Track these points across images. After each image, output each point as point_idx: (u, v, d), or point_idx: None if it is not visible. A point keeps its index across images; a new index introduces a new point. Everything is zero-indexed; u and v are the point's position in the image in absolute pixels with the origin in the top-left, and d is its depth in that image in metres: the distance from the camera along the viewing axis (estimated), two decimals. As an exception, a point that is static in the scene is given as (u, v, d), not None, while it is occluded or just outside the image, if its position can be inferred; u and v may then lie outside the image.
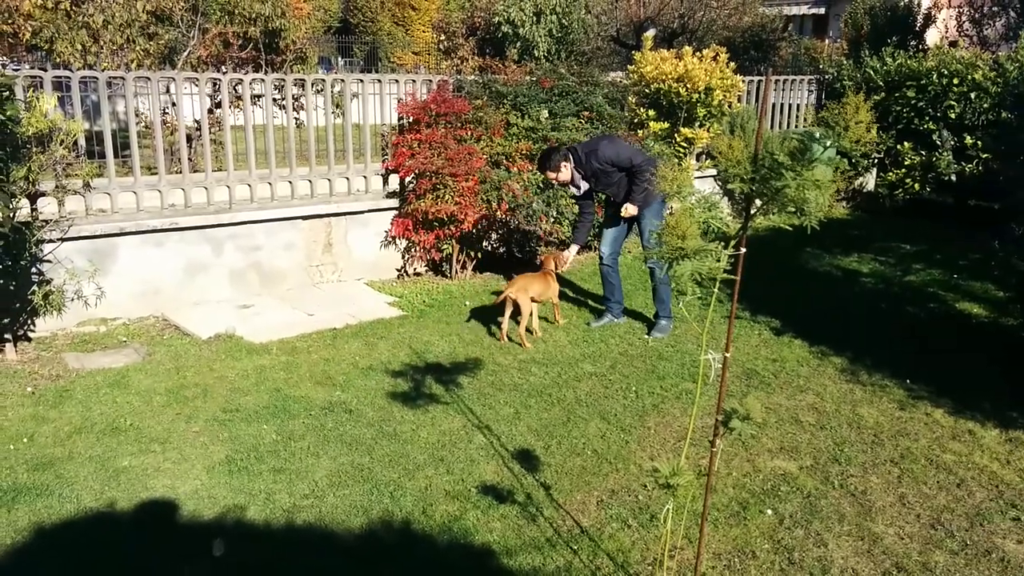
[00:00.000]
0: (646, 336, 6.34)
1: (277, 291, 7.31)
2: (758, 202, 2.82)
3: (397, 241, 7.88)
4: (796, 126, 11.40)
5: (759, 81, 10.95)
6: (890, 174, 11.06)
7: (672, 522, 3.01)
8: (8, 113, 5.11)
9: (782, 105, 11.46)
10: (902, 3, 13.92)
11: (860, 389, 5.38)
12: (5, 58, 10.61)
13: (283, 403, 5.06)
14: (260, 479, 4.16)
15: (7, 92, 5.27)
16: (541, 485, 4.14)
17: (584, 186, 6.30)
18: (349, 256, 7.75)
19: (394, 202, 7.83)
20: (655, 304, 6.48)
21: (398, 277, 7.94)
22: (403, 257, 7.98)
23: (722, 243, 2.80)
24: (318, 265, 7.63)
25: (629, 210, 6.14)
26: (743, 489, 4.10)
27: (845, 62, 12.02)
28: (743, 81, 10.12)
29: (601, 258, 6.56)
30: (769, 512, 3.91)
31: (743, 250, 2.80)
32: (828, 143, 2.84)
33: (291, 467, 4.28)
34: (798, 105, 11.67)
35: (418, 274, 8.02)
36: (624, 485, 4.15)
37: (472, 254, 7.94)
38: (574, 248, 6.57)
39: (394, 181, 7.90)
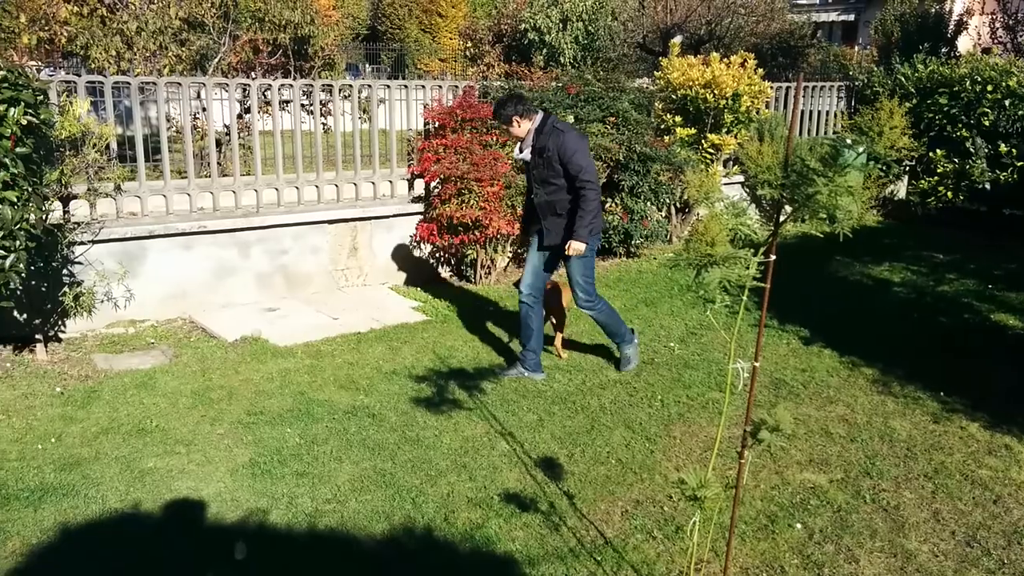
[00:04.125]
0: (617, 370, 5.72)
1: (302, 295, 7.33)
2: (788, 208, 2.78)
3: (422, 245, 7.88)
4: (825, 133, 11.27)
5: (788, 87, 10.85)
6: (922, 182, 10.90)
7: (698, 535, 2.96)
8: (43, 117, 5.17)
9: (811, 112, 11.34)
10: (933, 10, 13.75)
11: (892, 401, 5.28)
12: (41, 63, 10.77)
13: (307, 407, 5.06)
14: (283, 483, 4.16)
15: (42, 96, 5.33)
16: (564, 494, 4.09)
17: (526, 156, 5.47)
18: (374, 260, 7.76)
19: (419, 207, 7.84)
20: (612, 340, 5.81)
21: (424, 282, 7.94)
22: (427, 262, 7.97)
23: (751, 250, 2.75)
24: (343, 269, 7.64)
25: (574, 247, 5.31)
26: (771, 502, 4.03)
27: (875, 69, 11.88)
28: (771, 87, 10.03)
29: (520, 293, 5.66)
30: (798, 526, 3.83)
31: (773, 257, 2.75)
32: (860, 149, 2.79)
33: (314, 471, 4.28)
34: (827, 112, 11.55)
35: (442, 279, 8.01)
36: (649, 495, 4.09)
37: (497, 259, 7.91)
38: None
39: (419, 186, 7.90)
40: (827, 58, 19.12)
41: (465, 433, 4.73)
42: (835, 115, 11.62)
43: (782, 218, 2.76)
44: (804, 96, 11.04)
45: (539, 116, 5.43)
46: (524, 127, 5.43)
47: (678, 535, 3.72)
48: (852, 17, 29.34)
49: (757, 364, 2.88)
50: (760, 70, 9.50)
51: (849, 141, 2.78)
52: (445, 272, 8.02)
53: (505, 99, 5.52)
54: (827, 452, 4.57)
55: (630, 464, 4.40)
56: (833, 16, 29.48)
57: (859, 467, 4.41)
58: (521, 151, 5.52)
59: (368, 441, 4.62)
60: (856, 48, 23.36)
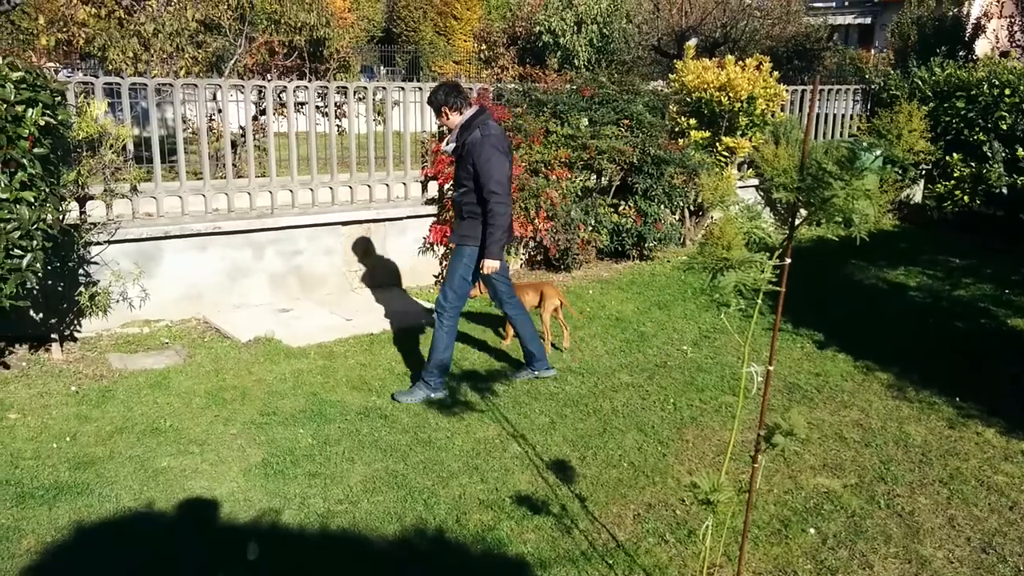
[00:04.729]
0: (394, 398, 5.23)
1: (316, 296, 7.35)
2: (803, 212, 2.76)
3: (435, 248, 7.88)
4: (841, 136, 11.21)
5: (803, 90, 10.81)
6: (939, 186, 10.82)
7: (711, 539, 2.94)
8: (60, 118, 5.21)
9: (827, 115, 11.30)
10: (951, 13, 13.65)
11: (907, 406, 5.24)
12: (59, 65, 10.87)
13: (319, 407, 5.07)
14: (295, 483, 4.17)
15: (60, 97, 5.38)
16: (576, 497, 4.08)
17: (449, 149, 5.28)
18: (386, 262, 7.77)
19: (432, 209, 7.85)
20: (427, 358, 5.34)
21: (435, 284, 7.95)
22: (440, 263, 7.98)
23: (766, 254, 2.73)
24: (357, 270, 7.66)
25: (486, 264, 5.11)
26: (784, 506, 4.01)
27: (892, 72, 11.82)
28: (787, 90, 9.99)
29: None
30: (812, 531, 3.81)
31: (788, 261, 2.73)
32: (878, 152, 2.77)
33: (326, 472, 4.29)
34: (843, 115, 11.49)
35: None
36: (661, 499, 4.07)
37: (509, 262, 7.91)
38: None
39: (433, 188, 7.91)
40: (843, 61, 19.03)
41: (477, 435, 4.73)
42: (851, 118, 11.56)
43: (797, 221, 2.74)
44: (820, 99, 10.99)
45: (471, 111, 5.18)
46: (453, 119, 5.19)
47: (690, 539, 3.71)
48: (868, 20, 29.16)
49: (771, 368, 2.86)
50: (775, 73, 9.47)
51: (865, 144, 2.76)
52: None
53: (438, 87, 5.32)
54: (841, 457, 4.54)
55: (642, 467, 4.39)
56: (849, 19, 29.31)
57: (873, 472, 4.38)
58: (448, 143, 5.31)
59: (380, 442, 4.63)
60: (872, 51, 23.23)
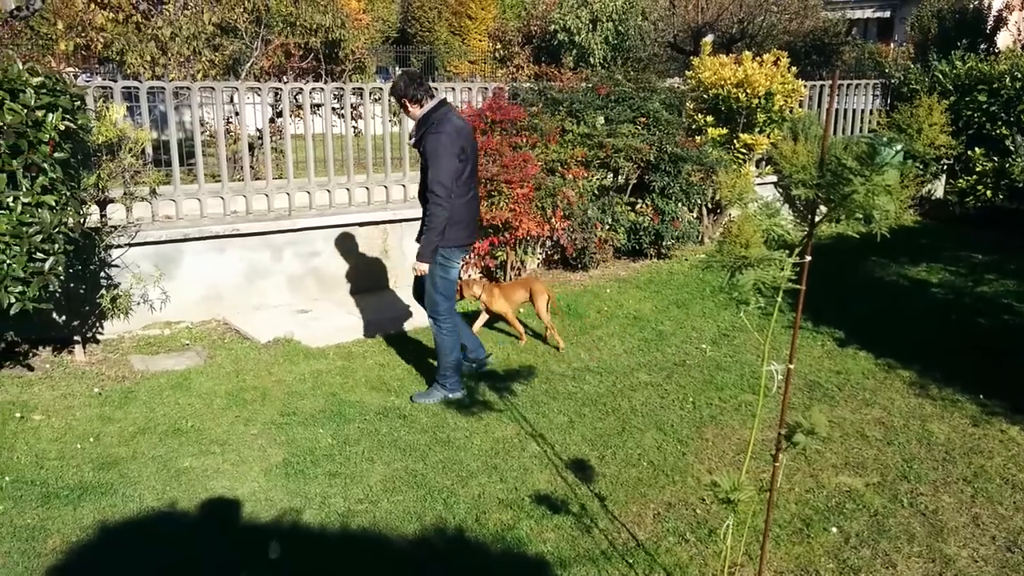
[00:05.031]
0: (412, 399, 5.24)
1: (334, 296, 7.38)
2: (823, 209, 2.74)
3: (453, 248, 7.88)
4: (860, 132, 11.12)
5: (822, 86, 10.72)
6: (960, 181, 10.70)
7: (732, 538, 2.93)
8: (80, 122, 5.26)
9: (845, 110, 11.21)
10: (972, 5, 13.50)
11: (930, 404, 5.19)
12: (78, 69, 10.96)
13: (339, 408, 5.09)
14: (316, 483, 4.19)
15: (79, 102, 5.43)
16: (596, 496, 4.07)
17: (413, 141, 5.17)
18: (404, 262, 7.79)
19: (450, 209, 7.85)
20: (437, 368, 5.31)
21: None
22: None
23: (785, 251, 2.72)
24: (375, 271, 7.67)
25: (416, 266, 5.08)
26: (806, 505, 3.98)
27: (912, 66, 11.70)
28: (805, 86, 9.91)
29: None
30: (834, 530, 3.78)
31: (808, 258, 2.71)
32: (898, 147, 2.74)
33: (346, 471, 4.30)
34: (862, 110, 11.39)
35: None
36: (681, 498, 4.06)
37: (527, 261, 7.91)
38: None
39: (450, 188, 7.91)
40: (862, 55, 18.86)
41: (496, 434, 4.73)
42: (870, 113, 11.46)
43: (817, 218, 2.72)
44: (838, 94, 10.90)
45: (431, 104, 5.04)
46: (414, 111, 5.07)
47: (711, 538, 3.69)
48: (888, 14, 28.89)
49: (791, 366, 2.84)
50: (793, 68, 9.40)
51: (886, 139, 2.73)
52: (475, 274, 8.03)
53: (399, 77, 5.22)
54: (863, 455, 4.50)
55: (662, 466, 4.37)
56: (868, 13, 29.05)
57: (896, 470, 4.34)
58: (411, 137, 5.21)
59: (399, 442, 4.64)
60: (892, 45, 23.00)
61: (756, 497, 2.83)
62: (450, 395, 5.21)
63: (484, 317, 6.45)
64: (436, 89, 5.77)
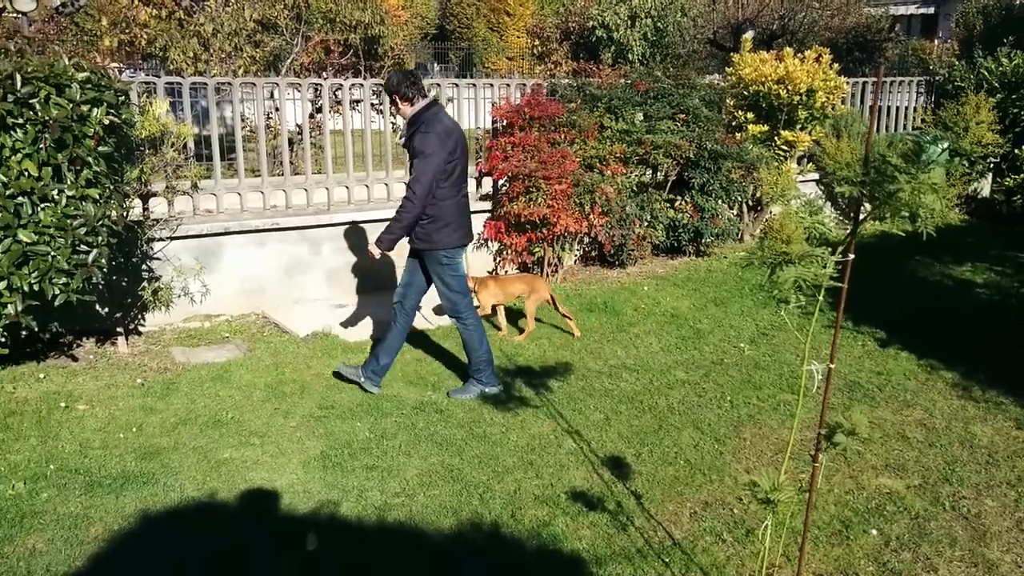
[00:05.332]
0: (448, 395, 5.26)
1: (372, 291, 7.42)
2: (867, 206, 2.69)
3: (489, 243, 7.91)
4: (904, 129, 10.93)
5: (864, 82, 10.55)
6: (1007, 179, 10.44)
7: (770, 539, 2.89)
8: (124, 117, 5.35)
9: (888, 107, 11.02)
10: (1018, 2, 13.17)
11: (973, 406, 5.08)
12: (122, 65, 11.17)
13: (376, 401, 5.13)
14: (353, 475, 4.22)
15: (123, 97, 5.52)
16: (632, 494, 4.06)
17: (403, 141, 5.17)
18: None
19: (487, 205, 7.87)
20: (469, 363, 5.30)
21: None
22: (495, 259, 8.00)
23: (828, 249, 2.68)
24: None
25: (371, 251, 5.13)
26: (846, 507, 3.92)
27: (957, 63, 11.45)
28: (847, 83, 9.76)
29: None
30: (874, 532, 3.72)
31: (851, 256, 2.67)
32: (944, 145, 2.69)
33: (383, 465, 4.33)
34: (906, 108, 11.19)
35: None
36: (718, 497, 4.02)
37: (564, 258, 7.89)
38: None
39: (487, 184, 7.94)
40: (905, 52, 18.53)
41: (532, 430, 4.73)
42: (914, 111, 11.26)
43: (861, 216, 2.68)
44: (882, 91, 10.72)
45: (422, 103, 5.00)
46: (404, 109, 5.04)
47: (748, 538, 3.65)
48: (932, 10, 28.33)
49: (832, 366, 2.80)
50: (835, 65, 9.25)
51: (931, 137, 2.68)
52: (512, 270, 8.03)
53: (392, 73, 5.17)
54: (904, 457, 4.43)
55: (699, 465, 4.34)
56: (912, 9, 28.52)
57: (938, 473, 4.26)
58: (401, 136, 5.18)
59: (436, 436, 4.66)
60: (936, 42, 22.55)
61: (795, 498, 2.80)
62: (487, 389, 5.22)
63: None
64: (429, 89, 5.77)
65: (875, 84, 2.75)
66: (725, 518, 3.84)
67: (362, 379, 5.25)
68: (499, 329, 6.46)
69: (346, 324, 6.49)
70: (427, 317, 6.70)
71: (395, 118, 10.06)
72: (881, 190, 2.58)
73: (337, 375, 5.43)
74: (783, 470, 2.88)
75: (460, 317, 5.22)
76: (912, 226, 2.56)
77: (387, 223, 5.08)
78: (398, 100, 5.03)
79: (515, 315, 6.79)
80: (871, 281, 7.33)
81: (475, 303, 6.09)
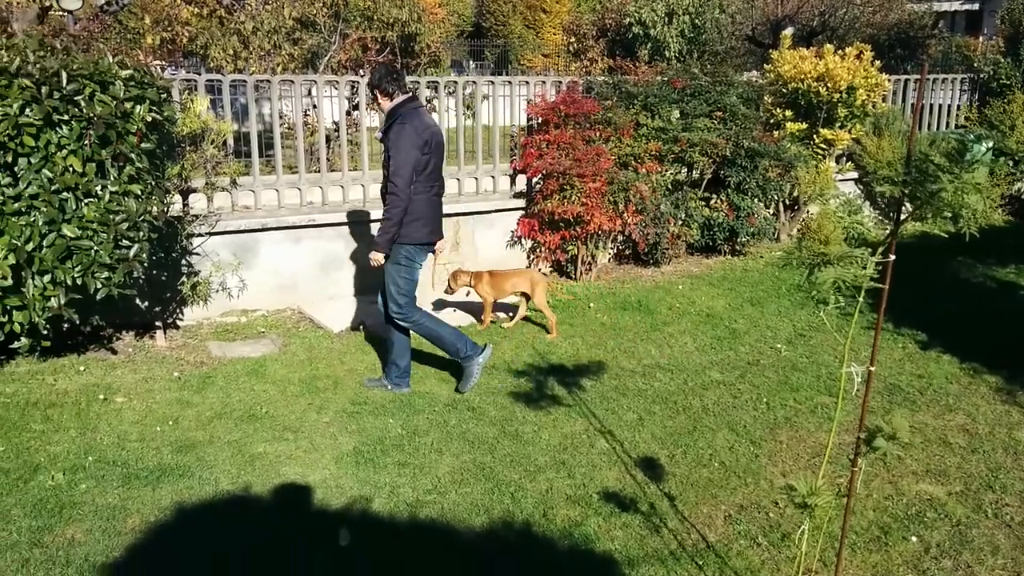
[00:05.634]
0: (457, 391, 5.23)
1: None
2: (908, 206, 2.64)
3: (523, 241, 7.89)
4: (947, 127, 10.71)
5: (906, 80, 10.35)
6: (1054, 180, 10.19)
7: (807, 543, 2.85)
8: (165, 114, 5.43)
9: (931, 105, 10.80)
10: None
11: (1017, 411, 4.96)
12: (164, 63, 11.34)
13: (408, 398, 5.14)
14: (385, 472, 4.23)
15: (165, 94, 5.60)
16: (665, 495, 4.02)
17: (380, 136, 5.15)
18: (475, 255, 7.82)
19: (521, 202, 7.85)
20: (451, 356, 5.30)
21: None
22: (528, 257, 7.98)
23: (867, 249, 2.62)
24: (445, 264, 7.72)
25: (371, 256, 5.07)
26: (884, 513, 3.85)
27: (1002, 60, 11.18)
28: (888, 80, 9.57)
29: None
30: (914, 539, 3.65)
31: (892, 257, 2.62)
32: (988, 144, 2.62)
33: (415, 462, 4.34)
34: (949, 106, 10.96)
35: (543, 275, 7.99)
36: (753, 501, 3.97)
37: (598, 256, 7.85)
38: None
39: (521, 181, 7.92)
40: (949, 49, 18.15)
41: (564, 430, 4.71)
42: (957, 109, 11.02)
43: (902, 216, 2.62)
44: (924, 89, 10.50)
45: (401, 98, 5.01)
46: (384, 104, 5.04)
47: (784, 543, 3.60)
48: (976, 6, 27.75)
49: (872, 368, 2.75)
50: (877, 62, 9.09)
51: (975, 135, 2.62)
52: (546, 268, 8.01)
53: (375, 67, 5.09)
54: (945, 463, 4.33)
55: (734, 468, 4.29)
56: (955, 5, 27.96)
57: (980, 480, 4.16)
58: (379, 132, 5.15)
59: (468, 434, 4.66)
60: (980, 39, 22.08)
61: (833, 502, 2.75)
62: (481, 359, 5.20)
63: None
64: (411, 87, 5.78)
65: (918, 81, 2.68)
66: (760, 522, 3.79)
67: (390, 387, 5.28)
68: (481, 323, 6.55)
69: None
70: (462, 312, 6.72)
71: (432, 114, 10.08)
72: (923, 190, 2.53)
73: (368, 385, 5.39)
74: (821, 474, 2.83)
75: (406, 319, 5.15)
76: (954, 227, 2.51)
77: (379, 227, 5.04)
78: (378, 95, 5.05)
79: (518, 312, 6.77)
80: (912, 282, 7.19)
81: (482, 295, 6.34)
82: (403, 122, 4.90)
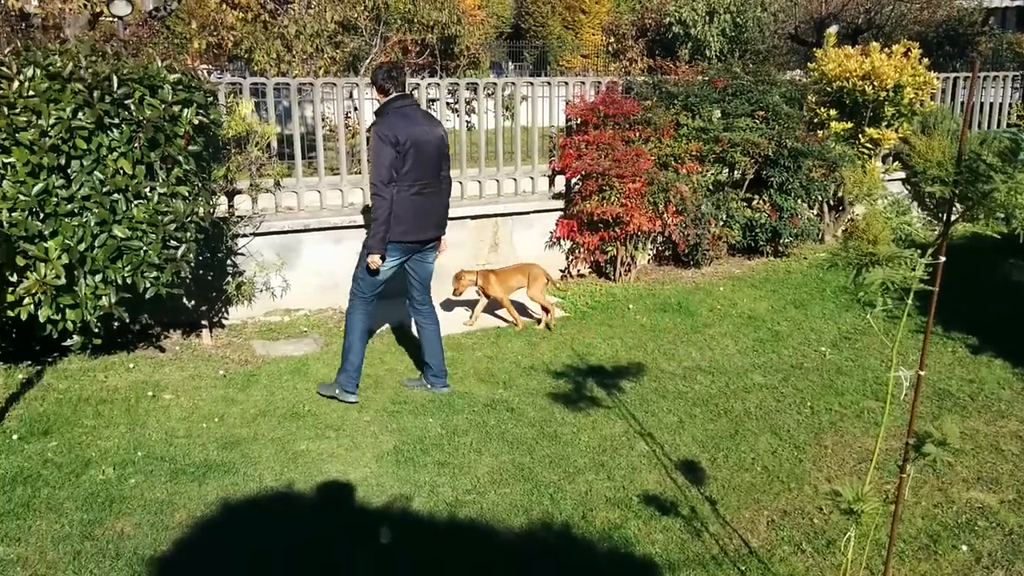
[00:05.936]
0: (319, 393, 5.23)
1: (444, 288, 7.47)
2: (958, 207, 2.58)
3: (561, 242, 7.88)
4: (998, 127, 10.45)
5: (955, 78, 10.13)
6: (1111, 179, 9.90)
7: (853, 551, 2.80)
8: (212, 117, 5.52)
9: (981, 104, 10.55)
10: None
11: (1072, 418, 4.83)
12: (210, 66, 11.54)
13: (448, 398, 5.16)
14: (425, 471, 4.26)
15: (211, 98, 5.70)
16: (706, 499, 3.98)
17: None
18: (514, 256, 7.82)
19: (559, 203, 7.84)
20: (343, 353, 5.19)
21: (561, 278, 7.93)
22: (567, 258, 7.96)
23: (916, 251, 2.57)
24: (484, 264, 7.75)
25: (370, 260, 4.98)
26: (934, 521, 3.77)
27: (1058, 56, 10.90)
28: (937, 78, 9.38)
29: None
30: (964, 548, 3.56)
31: (942, 258, 2.56)
32: (1046, 143, 2.56)
33: (454, 461, 4.36)
34: (1000, 104, 10.70)
35: (582, 275, 7.98)
36: (797, 506, 3.91)
37: (637, 257, 7.81)
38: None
39: (560, 182, 7.91)
40: (1000, 46, 17.73)
41: (603, 431, 4.69)
42: (1009, 107, 10.75)
43: (952, 217, 2.57)
44: (975, 87, 10.27)
45: (392, 96, 4.98)
46: (380, 100, 5.05)
47: (829, 550, 3.54)
48: (1028, 1, 27.06)
49: (922, 373, 2.70)
50: (925, 60, 8.91)
51: (1025, 135, 2.56)
52: (584, 269, 7.99)
53: (380, 66, 5.12)
54: (998, 470, 4.23)
55: (777, 472, 4.23)
56: (1007, 1, 27.29)
57: (1034, 488, 4.06)
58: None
59: (507, 435, 4.66)
60: (1033, 35, 21.54)
61: (880, 509, 2.70)
62: (343, 388, 5.11)
63: (483, 303, 6.67)
64: (411, 88, 5.85)
65: (967, 79, 2.63)
66: (804, 528, 3.73)
67: (429, 387, 5.30)
68: (515, 324, 6.54)
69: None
70: (503, 315, 6.74)
71: (469, 117, 10.14)
72: (974, 190, 2.48)
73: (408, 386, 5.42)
74: (867, 480, 2.78)
75: (352, 306, 5.17)
76: (1007, 228, 2.45)
77: (372, 223, 4.98)
78: (377, 91, 5.06)
79: (521, 310, 6.75)
80: (962, 284, 7.02)
81: (495, 296, 6.38)
82: (379, 120, 4.91)
